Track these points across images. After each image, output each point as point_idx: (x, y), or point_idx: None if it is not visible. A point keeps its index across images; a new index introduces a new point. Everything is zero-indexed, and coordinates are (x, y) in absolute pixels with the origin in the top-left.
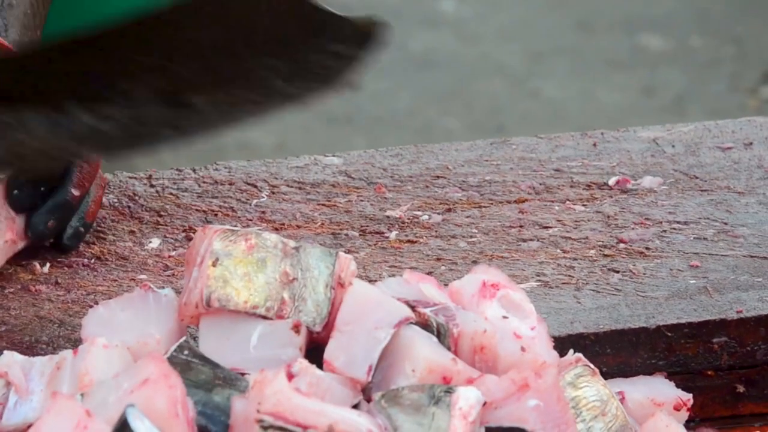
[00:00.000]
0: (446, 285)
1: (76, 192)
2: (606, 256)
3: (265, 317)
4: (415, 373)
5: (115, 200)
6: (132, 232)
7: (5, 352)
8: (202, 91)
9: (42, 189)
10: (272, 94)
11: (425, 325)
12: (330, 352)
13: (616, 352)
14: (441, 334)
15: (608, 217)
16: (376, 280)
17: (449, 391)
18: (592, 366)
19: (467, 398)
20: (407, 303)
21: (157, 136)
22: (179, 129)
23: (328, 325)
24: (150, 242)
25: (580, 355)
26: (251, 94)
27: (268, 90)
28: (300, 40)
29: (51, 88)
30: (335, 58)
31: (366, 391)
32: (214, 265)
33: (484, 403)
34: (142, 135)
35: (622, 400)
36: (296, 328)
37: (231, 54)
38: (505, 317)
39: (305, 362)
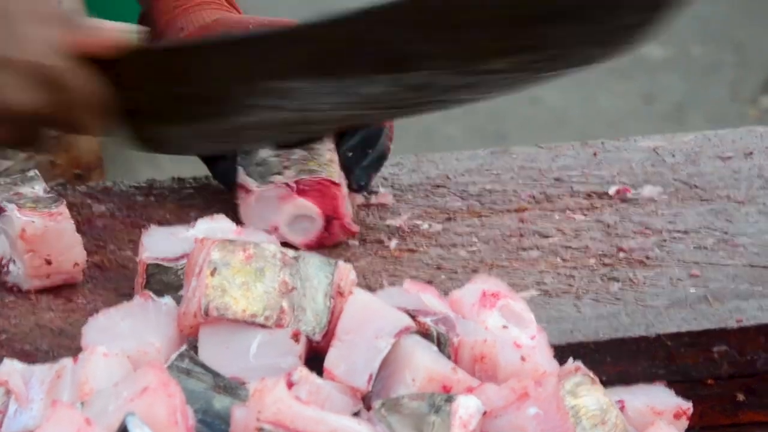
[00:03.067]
0: (446, 294)
1: (390, 144)
2: (606, 265)
3: (263, 326)
4: (416, 382)
5: (116, 209)
6: (132, 241)
7: (5, 360)
8: (494, 57)
9: (368, 151)
10: (561, 58)
11: (425, 334)
12: (330, 361)
13: (616, 361)
14: (441, 343)
15: (608, 226)
16: (376, 289)
17: (449, 399)
18: (591, 375)
19: (467, 407)
20: (407, 312)
21: (447, 100)
22: (471, 91)
23: (328, 335)
24: None
25: (579, 363)
26: (542, 57)
27: (558, 54)
28: (596, 4)
29: (337, 57)
30: (628, 24)
31: (366, 400)
32: (212, 274)
33: (484, 412)
34: (432, 100)
35: (622, 408)
36: (296, 336)
37: (526, 19)
38: (505, 327)
39: (305, 370)
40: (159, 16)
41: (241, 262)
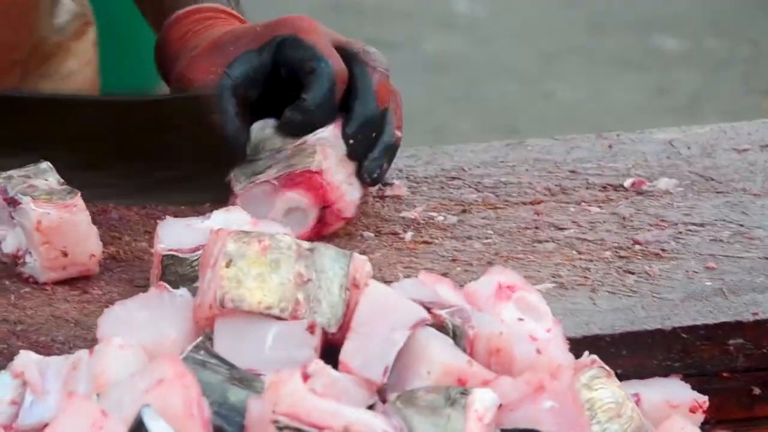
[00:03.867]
0: (462, 286)
1: (399, 133)
2: (621, 257)
3: (279, 318)
4: (431, 374)
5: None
6: (147, 232)
7: (21, 351)
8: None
9: (373, 135)
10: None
11: (441, 326)
12: (346, 353)
13: (631, 354)
14: (457, 336)
15: (624, 218)
16: (391, 281)
17: (465, 392)
18: (607, 368)
19: (483, 400)
20: (423, 304)
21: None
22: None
23: (343, 327)
24: None
25: (595, 357)
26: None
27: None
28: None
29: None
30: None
31: (381, 393)
32: (227, 266)
33: (500, 405)
34: None
35: (638, 402)
36: (311, 328)
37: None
38: (520, 319)
39: (321, 363)
40: (171, 43)
41: (256, 253)
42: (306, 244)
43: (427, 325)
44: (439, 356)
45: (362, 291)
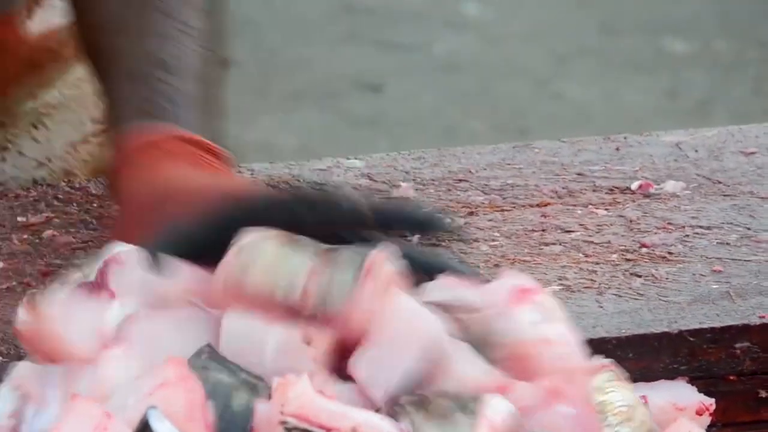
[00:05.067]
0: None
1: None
2: (628, 260)
3: (287, 307)
4: (444, 379)
5: None
6: None
7: (20, 362)
8: None
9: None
10: None
11: (459, 331)
12: (356, 362)
13: (638, 357)
14: (471, 340)
15: (631, 221)
16: None
17: (477, 399)
18: (619, 371)
19: (495, 407)
20: (442, 306)
21: None
22: None
23: (354, 321)
24: None
25: (609, 360)
26: None
27: None
28: None
29: None
30: None
31: (393, 398)
32: (237, 254)
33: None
34: None
35: (644, 404)
36: (309, 341)
37: None
38: (537, 323)
39: (325, 374)
40: (120, 164)
41: (270, 245)
42: (324, 246)
43: (447, 333)
44: (457, 362)
45: (377, 285)
